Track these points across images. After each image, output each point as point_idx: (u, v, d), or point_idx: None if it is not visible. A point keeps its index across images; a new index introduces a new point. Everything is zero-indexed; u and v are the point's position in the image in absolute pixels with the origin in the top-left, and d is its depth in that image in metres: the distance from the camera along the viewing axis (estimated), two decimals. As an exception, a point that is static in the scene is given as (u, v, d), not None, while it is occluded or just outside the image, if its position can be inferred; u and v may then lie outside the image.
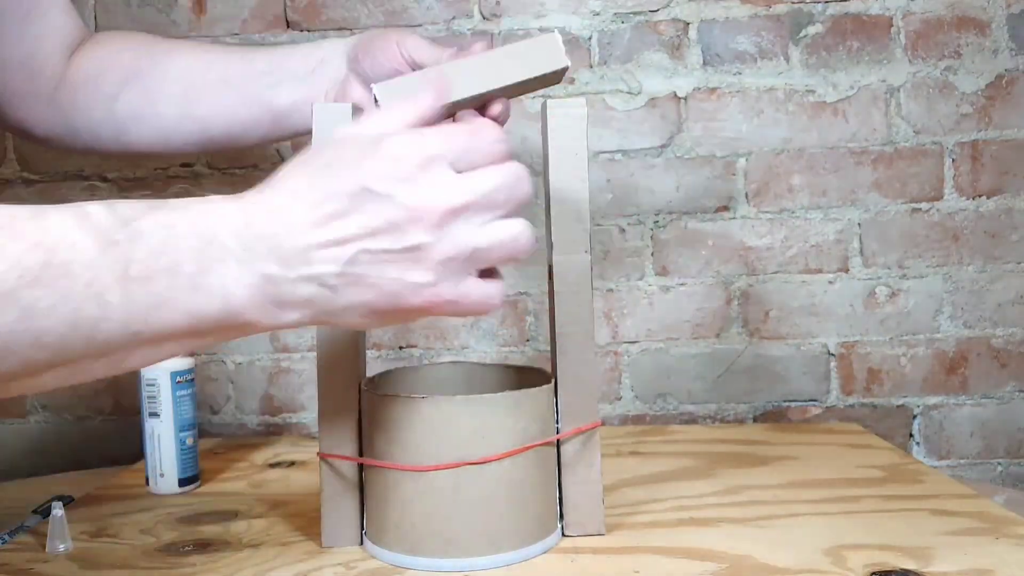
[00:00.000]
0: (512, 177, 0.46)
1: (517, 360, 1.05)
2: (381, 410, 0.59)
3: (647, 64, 1.02)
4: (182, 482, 0.78)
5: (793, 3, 1.01)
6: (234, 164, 1.05)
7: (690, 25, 1.02)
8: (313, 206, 0.44)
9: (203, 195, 0.45)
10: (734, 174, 1.03)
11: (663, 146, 1.03)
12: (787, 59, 1.02)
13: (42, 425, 1.09)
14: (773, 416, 1.05)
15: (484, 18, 1.03)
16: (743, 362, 1.04)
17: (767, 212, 1.03)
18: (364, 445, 0.61)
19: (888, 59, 1.01)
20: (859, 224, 1.03)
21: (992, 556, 0.57)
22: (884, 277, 1.03)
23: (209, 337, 0.44)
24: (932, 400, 1.04)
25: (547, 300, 0.65)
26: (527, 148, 1.02)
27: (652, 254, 1.04)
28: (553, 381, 0.62)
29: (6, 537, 0.66)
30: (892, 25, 1.01)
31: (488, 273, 0.48)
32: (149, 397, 0.77)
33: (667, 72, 1.02)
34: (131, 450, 1.07)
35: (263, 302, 0.44)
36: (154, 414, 0.77)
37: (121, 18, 1.04)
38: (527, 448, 0.58)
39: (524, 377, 0.66)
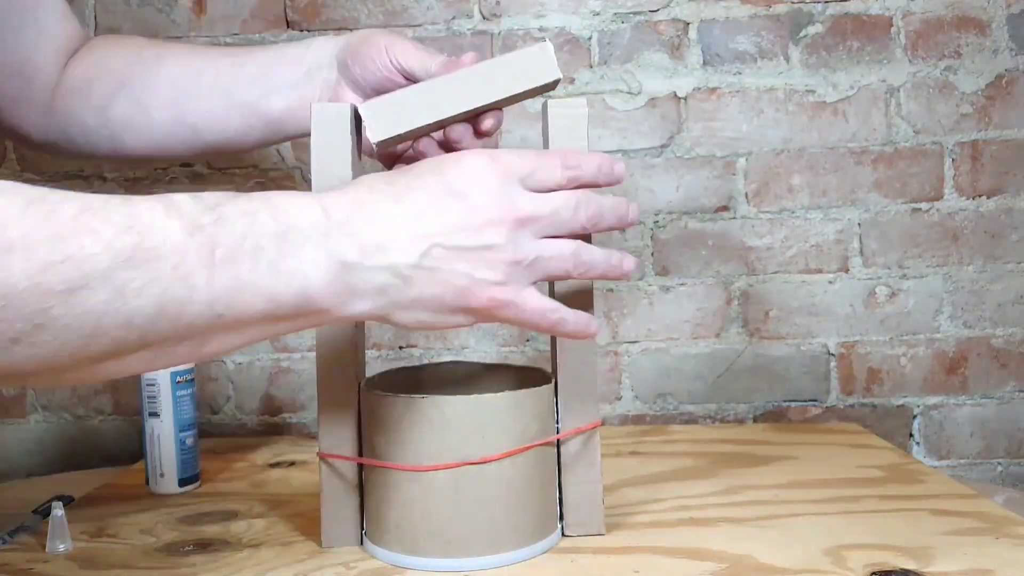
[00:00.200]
0: (577, 198, 0.51)
1: (517, 360, 1.05)
2: (381, 410, 0.59)
3: (647, 64, 1.02)
4: (182, 482, 0.78)
5: (793, 3, 1.01)
6: (234, 164, 1.05)
7: (690, 25, 1.02)
8: (393, 200, 0.48)
9: None
10: (734, 174, 1.03)
11: (663, 146, 1.03)
12: (787, 59, 1.02)
13: (42, 425, 1.09)
14: (773, 416, 1.05)
15: (484, 18, 1.03)
16: (743, 362, 1.04)
17: (767, 212, 1.03)
18: (364, 445, 0.61)
19: (888, 59, 1.01)
20: (859, 224, 1.03)
21: (992, 556, 0.57)
22: (884, 277, 1.03)
23: (284, 324, 0.46)
24: (932, 400, 1.04)
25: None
26: (527, 148, 1.02)
27: (652, 254, 1.04)
28: (553, 381, 0.62)
29: (6, 537, 0.66)
30: (892, 25, 1.01)
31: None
32: (149, 397, 0.77)
33: (667, 72, 1.02)
34: (131, 450, 1.07)
35: (338, 289, 0.46)
36: (154, 414, 0.77)
37: (121, 18, 1.04)
38: (527, 448, 0.58)
39: (524, 377, 0.66)
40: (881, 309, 1.03)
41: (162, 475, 0.77)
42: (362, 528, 0.62)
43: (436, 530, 0.57)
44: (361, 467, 0.61)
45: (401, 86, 0.63)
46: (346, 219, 0.47)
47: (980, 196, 1.02)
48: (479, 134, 0.62)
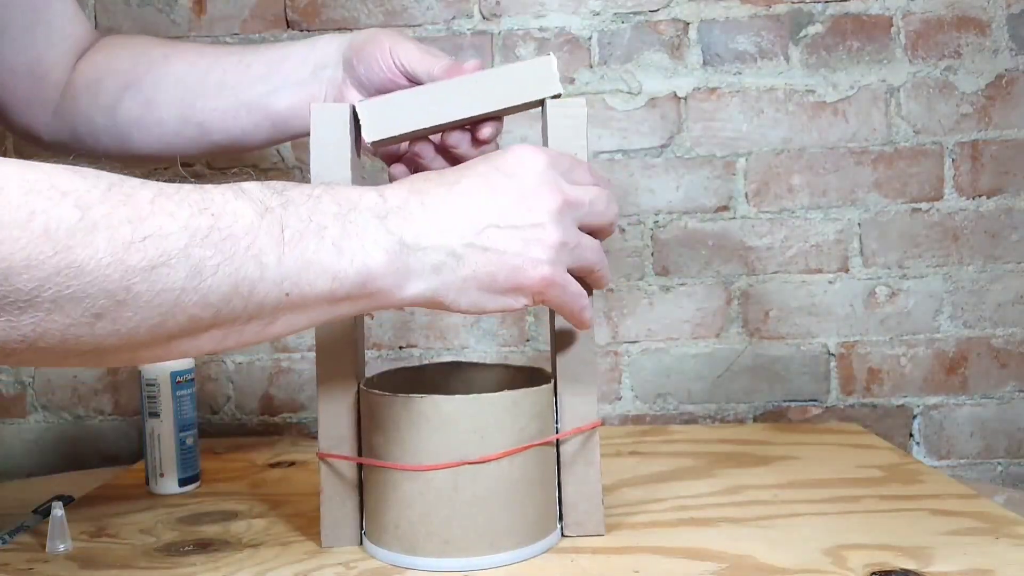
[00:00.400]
0: (606, 195, 0.55)
1: (517, 360, 1.05)
2: (380, 410, 0.59)
3: (647, 64, 1.02)
4: (182, 482, 0.78)
5: (793, 3, 1.01)
6: (233, 164, 1.05)
7: (690, 25, 1.02)
8: (447, 186, 0.51)
9: None
10: (734, 174, 1.03)
11: (663, 146, 1.03)
12: (787, 59, 1.02)
13: (42, 425, 1.09)
14: (773, 416, 1.05)
15: (484, 18, 1.03)
16: (743, 362, 1.04)
17: (767, 212, 1.03)
18: (363, 445, 0.61)
19: (888, 59, 1.01)
20: (859, 224, 1.03)
21: (992, 556, 0.57)
22: (884, 277, 1.03)
23: (345, 304, 0.48)
24: (932, 400, 1.04)
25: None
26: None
27: (652, 254, 1.04)
28: (553, 381, 0.62)
29: (6, 537, 0.66)
30: (892, 25, 1.01)
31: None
32: (149, 397, 0.77)
33: (667, 72, 1.02)
34: (131, 450, 1.07)
35: (397, 267, 0.48)
36: (154, 414, 0.77)
37: (121, 18, 1.04)
38: (526, 448, 0.58)
39: (524, 377, 0.66)
40: (881, 309, 1.03)
41: (162, 475, 0.77)
42: (362, 528, 0.62)
43: (435, 530, 0.57)
44: (361, 467, 0.61)
45: (404, 87, 0.64)
46: (403, 203, 0.49)
47: (980, 196, 1.02)
48: (477, 141, 0.62)
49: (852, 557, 0.57)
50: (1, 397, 1.09)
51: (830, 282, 1.03)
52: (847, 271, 1.03)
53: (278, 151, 1.05)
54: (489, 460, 0.57)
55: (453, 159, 0.63)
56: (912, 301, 1.03)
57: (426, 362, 1.05)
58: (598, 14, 1.02)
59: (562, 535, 0.62)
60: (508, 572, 0.57)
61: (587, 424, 0.62)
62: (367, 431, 0.60)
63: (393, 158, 0.69)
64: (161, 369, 0.76)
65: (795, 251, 1.03)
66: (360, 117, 0.59)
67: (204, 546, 0.64)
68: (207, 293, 0.42)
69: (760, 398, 1.04)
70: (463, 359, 1.04)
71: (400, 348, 1.06)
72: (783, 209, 1.03)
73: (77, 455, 1.08)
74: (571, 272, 0.54)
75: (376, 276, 0.47)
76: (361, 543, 0.62)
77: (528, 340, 1.06)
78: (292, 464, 0.87)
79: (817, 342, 1.04)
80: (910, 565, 0.56)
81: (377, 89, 0.65)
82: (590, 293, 0.58)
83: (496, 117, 0.62)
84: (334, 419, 0.61)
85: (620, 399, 1.05)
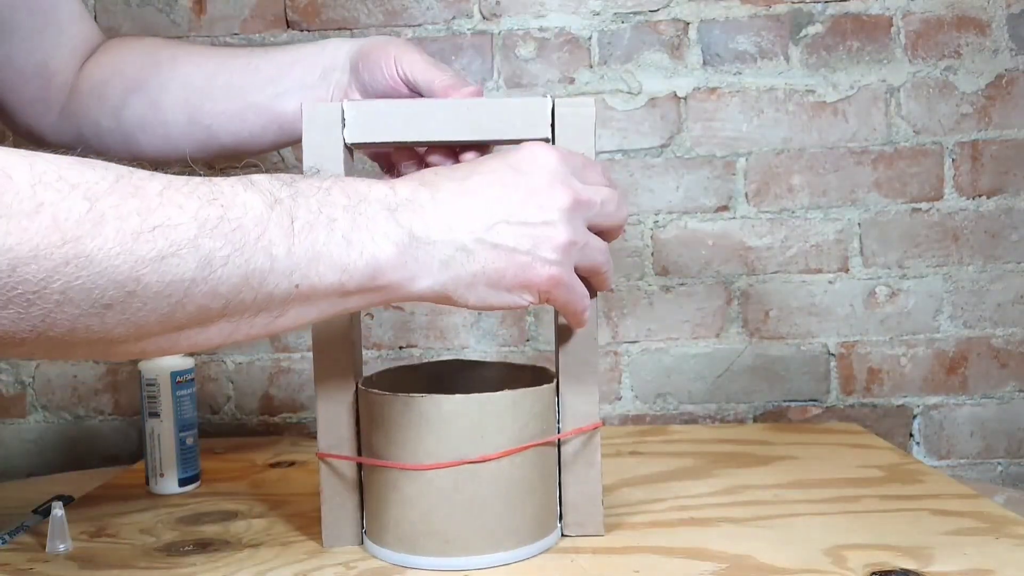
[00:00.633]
0: (617, 196, 0.54)
1: (517, 360, 1.05)
2: (379, 409, 0.59)
3: (647, 64, 1.02)
4: (182, 482, 0.78)
5: (793, 3, 1.01)
6: (233, 163, 1.05)
7: (690, 25, 1.02)
8: (458, 180, 0.51)
9: None
10: (734, 174, 1.03)
11: (663, 146, 1.03)
12: (787, 59, 1.02)
13: (42, 425, 1.09)
14: (773, 416, 1.05)
15: (484, 18, 1.03)
16: (743, 362, 1.04)
17: (767, 212, 1.03)
18: (363, 445, 0.61)
19: (888, 59, 1.01)
20: (859, 224, 1.03)
21: (992, 556, 0.57)
22: (884, 277, 1.03)
23: (354, 298, 0.48)
24: (932, 400, 1.04)
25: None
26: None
27: (652, 254, 1.04)
28: (555, 381, 0.62)
29: (6, 537, 0.66)
30: (892, 25, 1.01)
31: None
32: (149, 397, 0.77)
33: (667, 72, 1.02)
34: (131, 450, 1.07)
35: (406, 261, 0.47)
36: (154, 414, 0.77)
37: (121, 18, 1.04)
38: (526, 447, 0.58)
39: (526, 375, 0.66)
40: (881, 309, 1.03)
41: (162, 475, 0.77)
42: (362, 528, 0.62)
43: (435, 529, 0.57)
44: (361, 467, 0.61)
45: (405, 96, 0.64)
46: (413, 196, 0.49)
47: (980, 196, 1.02)
48: None
49: (852, 557, 0.57)
50: (1, 397, 1.09)
51: (830, 282, 1.03)
52: (847, 271, 1.03)
53: (278, 151, 1.05)
54: (489, 460, 0.57)
55: None
56: (912, 301, 1.03)
57: (425, 361, 1.05)
58: (598, 14, 1.02)
59: (562, 535, 0.62)
60: (508, 572, 0.57)
61: (588, 424, 0.62)
62: (367, 431, 0.60)
63: (383, 160, 0.69)
64: (161, 369, 0.76)
65: (795, 251, 1.03)
66: (345, 116, 0.59)
67: (204, 546, 0.63)
68: (217, 284, 0.42)
69: (760, 398, 1.04)
70: (463, 358, 1.04)
71: (400, 348, 1.06)
72: (783, 209, 1.03)
73: (77, 455, 1.08)
74: (576, 271, 0.53)
75: (385, 269, 0.47)
76: (361, 543, 0.62)
77: (528, 340, 1.06)
78: (292, 464, 0.87)
79: (817, 342, 1.04)
80: (910, 565, 0.56)
81: (379, 95, 0.65)
82: (593, 294, 0.58)
83: (482, 145, 0.62)
84: (333, 419, 0.61)
85: (620, 399, 1.05)
